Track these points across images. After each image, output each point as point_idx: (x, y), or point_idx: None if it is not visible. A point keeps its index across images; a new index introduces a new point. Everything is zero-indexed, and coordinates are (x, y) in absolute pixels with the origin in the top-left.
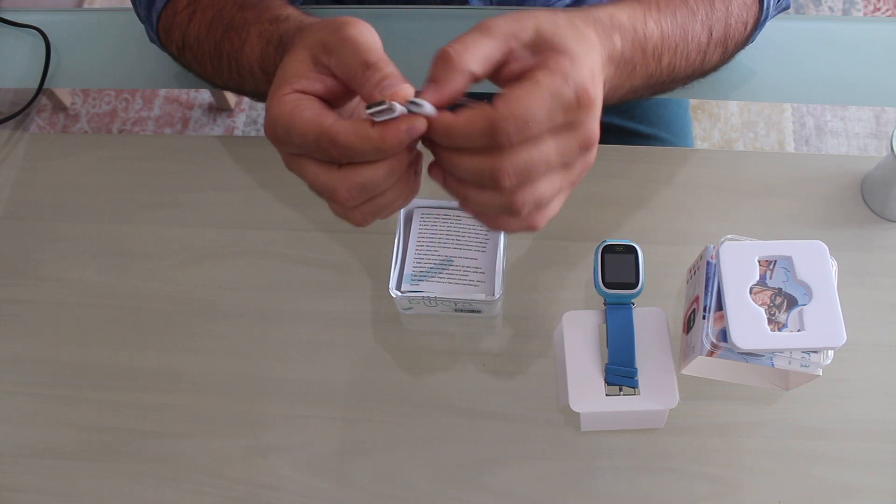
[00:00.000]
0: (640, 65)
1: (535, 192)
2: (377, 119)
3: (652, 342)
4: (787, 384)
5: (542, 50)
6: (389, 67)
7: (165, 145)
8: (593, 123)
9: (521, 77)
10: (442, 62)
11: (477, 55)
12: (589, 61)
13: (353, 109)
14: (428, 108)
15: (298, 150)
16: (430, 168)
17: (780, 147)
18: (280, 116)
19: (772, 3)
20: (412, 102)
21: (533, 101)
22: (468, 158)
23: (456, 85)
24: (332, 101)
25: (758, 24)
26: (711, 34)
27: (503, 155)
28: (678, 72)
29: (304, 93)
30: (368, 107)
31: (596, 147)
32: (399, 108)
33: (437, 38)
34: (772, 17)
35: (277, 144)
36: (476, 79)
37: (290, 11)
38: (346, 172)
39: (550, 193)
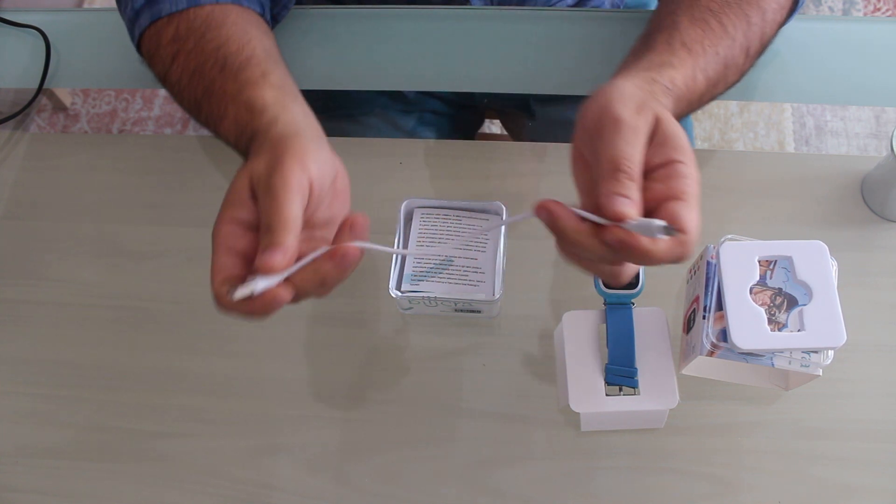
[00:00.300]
0: (684, 112)
1: None
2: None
3: (652, 342)
4: (787, 384)
5: (666, 145)
6: (281, 234)
7: (165, 145)
8: None
9: (658, 175)
10: (624, 177)
11: (638, 166)
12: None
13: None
14: (659, 223)
15: None
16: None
17: (780, 147)
18: (213, 241)
19: None
20: (665, 228)
21: (697, 216)
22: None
23: (637, 195)
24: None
25: (790, 15)
26: (748, 53)
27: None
28: (712, 98)
29: (239, 218)
30: (231, 290)
31: None
32: (259, 287)
33: (436, 38)
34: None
35: None
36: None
37: (267, 98)
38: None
39: None
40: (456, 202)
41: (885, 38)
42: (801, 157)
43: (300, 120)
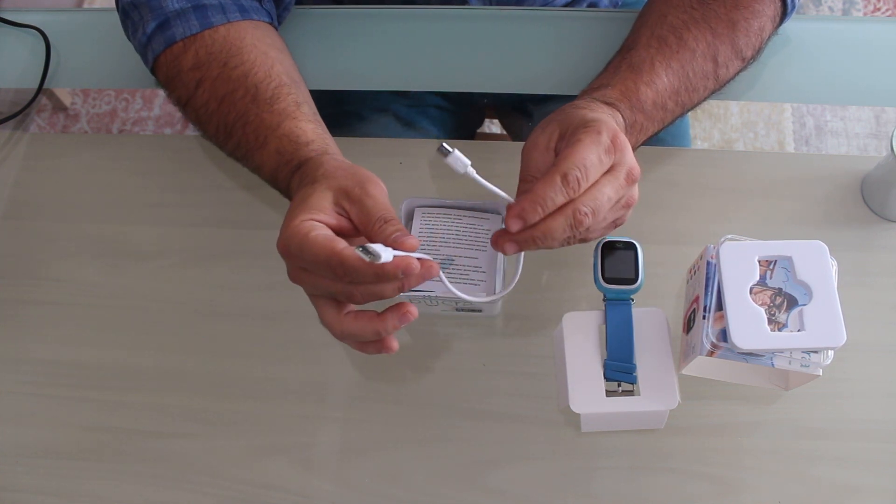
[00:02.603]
0: (647, 120)
1: (602, 224)
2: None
3: (652, 342)
4: (787, 384)
5: (582, 126)
6: (400, 224)
7: (165, 145)
8: (632, 159)
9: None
10: (525, 184)
11: (537, 170)
12: (612, 123)
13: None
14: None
15: (307, 266)
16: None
17: (780, 147)
18: (295, 235)
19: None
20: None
21: (584, 150)
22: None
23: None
24: (339, 235)
25: (783, 18)
26: (717, 60)
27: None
28: (690, 104)
29: (316, 219)
30: (359, 248)
31: (638, 180)
32: (384, 257)
33: (435, 38)
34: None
35: (288, 258)
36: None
37: (310, 133)
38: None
39: (611, 224)
40: (457, 201)
41: (885, 38)
42: (801, 157)
43: (338, 151)
